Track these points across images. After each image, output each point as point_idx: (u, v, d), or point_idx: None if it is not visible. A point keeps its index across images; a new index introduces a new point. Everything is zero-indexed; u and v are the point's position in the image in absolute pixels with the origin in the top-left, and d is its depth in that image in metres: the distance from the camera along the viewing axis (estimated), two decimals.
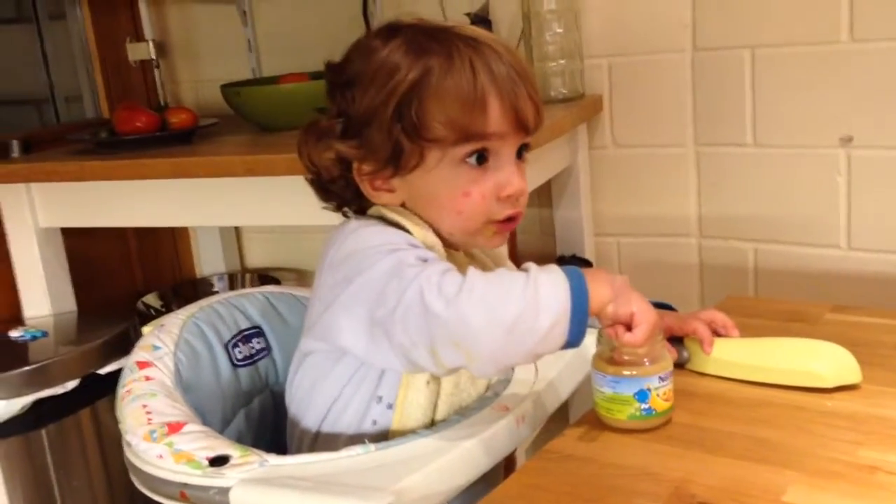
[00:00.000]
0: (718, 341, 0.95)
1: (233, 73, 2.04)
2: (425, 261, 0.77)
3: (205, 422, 0.93)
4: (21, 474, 1.46)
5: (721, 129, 1.78)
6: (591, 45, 1.82)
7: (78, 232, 1.77)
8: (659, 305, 1.02)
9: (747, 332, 1.03)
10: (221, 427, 0.97)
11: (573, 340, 0.74)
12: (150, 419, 0.84)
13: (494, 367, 0.75)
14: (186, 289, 2.06)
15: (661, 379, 0.83)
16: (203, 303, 1.03)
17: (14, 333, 1.56)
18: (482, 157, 0.84)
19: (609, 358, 0.84)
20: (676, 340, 0.98)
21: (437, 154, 0.84)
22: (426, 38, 0.84)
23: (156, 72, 2.15)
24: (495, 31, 1.86)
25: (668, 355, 0.86)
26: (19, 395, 1.39)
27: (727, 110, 1.76)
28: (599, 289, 0.77)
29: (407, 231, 0.85)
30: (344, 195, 0.90)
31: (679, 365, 0.95)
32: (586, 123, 1.85)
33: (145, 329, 1.01)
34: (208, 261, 2.26)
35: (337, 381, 0.87)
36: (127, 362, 0.94)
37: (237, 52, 2.12)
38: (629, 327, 0.78)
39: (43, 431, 1.50)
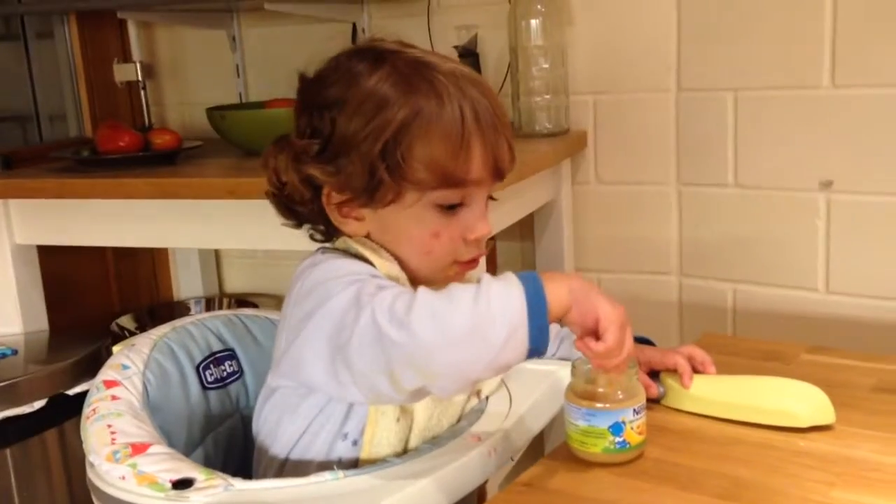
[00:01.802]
0: (695, 378, 0.94)
1: (220, 97, 2.04)
2: (383, 288, 0.76)
3: (171, 444, 0.92)
4: None
5: (704, 169, 1.79)
6: (576, 82, 1.84)
7: (56, 250, 1.75)
8: (639, 340, 1.02)
9: (723, 369, 1.03)
10: (188, 450, 0.95)
11: (536, 347, 0.72)
12: (114, 439, 0.82)
13: (456, 384, 0.73)
14: (162, 311, 2.04)
15: (636, 412, 0.83)
16: (176, 323, 1.02)
17: None
18: (451, 209, 0.85)
19: (583, 390, 0.84)
20: (652, 375, 0.97)
21: (414, 195, 0.83)
22: (414, 73, 0.84)
23: (142, 93, 2.15)
24: (483, 64, 1.87)
25: (642, 388, 0.85)
26: None
27: (710, 150, 1.77)
28: (557, 291, 0.74)
29: (371, 263, 0.84)
30: (308, 217, 0.89)
31: (654, 400, 0.95)
32: (570, 159, 1.86)
33: (115, 348, 0.99)
34: (186, 284, 2.25)
35: (303, 418, 0.86)
36: (94, 381, 0.92)
37: (225, 77, 2.13)
38: (597, 335, 0.76)
39: (7, 451, 1.47)
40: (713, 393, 0.92)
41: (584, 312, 0.75)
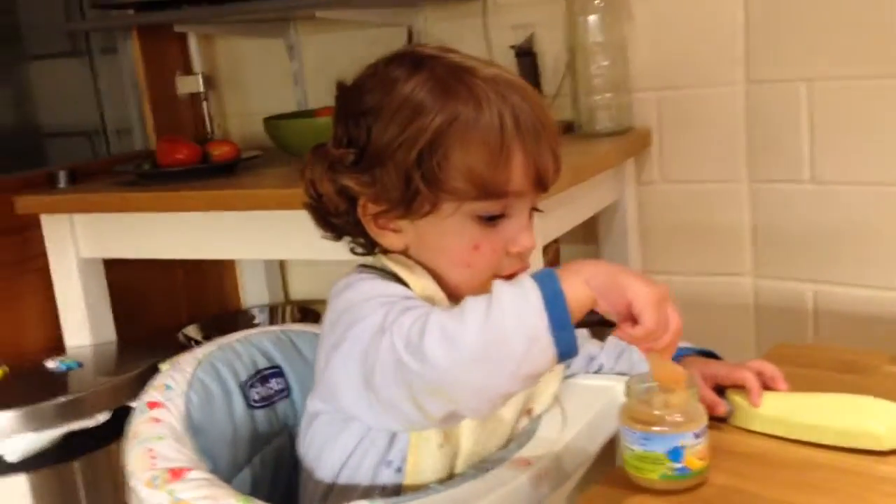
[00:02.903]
0: (766, 395, 0.88)
1: (280, 105, 2.04)
2: (408, 310, 0.72)
3: (214, 466, 0.90)
4: None
5: (776, 165, 1.70)
6: (638, 78, 1.77)
7: (125, 262, 1.76)
8: (704, 353, 0.96)
9: (797, 382, 0.96)
10: (232, 472, 0.93)
11: (565, 351, 0.67)
12: (153, 464, 0.81)
13: (484, 403, 0.69)
14: (227, 320, 2.05)
15: (696, 436, 0.77)
16: (222, 341, 1.00)
17: (50, 364, 1.56)
18: (492, 220, 0.81)
19: (638, 412, 0.78)
20: (719, 391, 0.91)
21: (452, 205, 0.80)
22: (452, 78, 0.80)
23: (204, 104, 2.16)
24: (540, 63, 1.82)
25: (704, 409, 0.79)
26: (51, 426, 1.38)
27: (783, 145, 1.68)
28: (575, 286, 0.68)
29: (405, 283, 0.81)
30: (346, 229, 0.86)
31: (721, 419, 0.89)
32: (634, 158, 1.79)
33: (163, 366, 0.98)
34: (252, 292, 2.25)
35: (344, 447, 0.83)
36: (138, 401, 0.91)
37: (284, 86, 2.12)
38: (634, 319, 0.70)
39: (75, 464, 1.48)
40: (785, 412, 0.86)
41: (613, 301, 0.70)
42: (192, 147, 1.68)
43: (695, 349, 0.97)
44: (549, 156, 0.81)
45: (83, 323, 1.69)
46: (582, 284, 0.69)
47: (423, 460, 0.80)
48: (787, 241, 1.72)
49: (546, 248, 1.86)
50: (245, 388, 0.97)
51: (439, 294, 0.81)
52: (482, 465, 0.81)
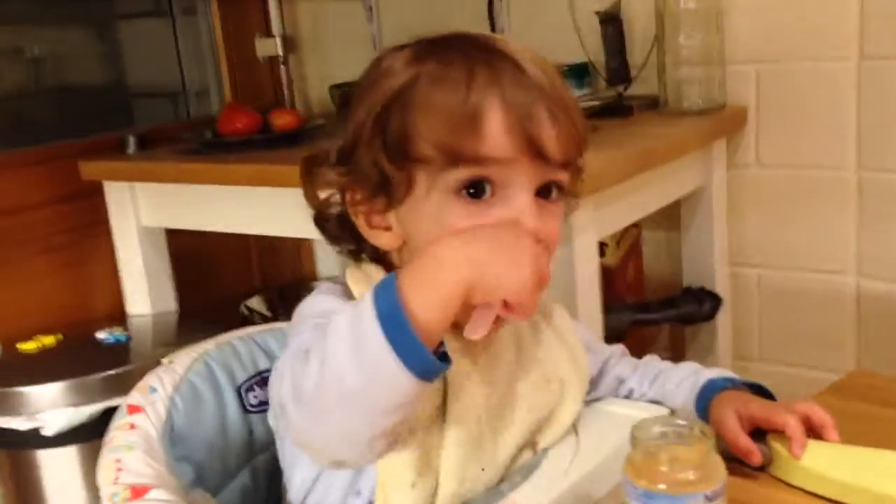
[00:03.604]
0: (811, 445, 0.75)
1: (359, 71, 1.97)
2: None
3: (199, 476, 0.85)
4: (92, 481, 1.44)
5: (890, 153, 1.51)
6: (735, 50, 1.60)
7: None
8: (750, 387, 0.83)
9: (860, 423, 0.83)
10: (222, 481, 0.87)
11: (422, 370, 0.57)
12: (117, 478, 0.75)
13: (361, 450, 0.61)
14: (290, 292, 2.01)
15: (709, 498, 0.65)
16: (221, 338, 0.94)
17: (100, 335, 1.55)
18: (481, 188, 0.68)
19: (642, 465, 0.67)
20: (759, 435, 0.78)
21: (425, 179, 0.68)
22: (439, 46, 0.70)
23: (282, 68, 2.11)
24: (627, 31, 1.67)
25: (722, 465, 0.67)
26: (90, 402, 1.37)
27: None
28: (422, 292, 0.58)
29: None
30: (341, 236, 0.77)
31: (759, 468, 0.76)
32: (725, 139, 1.63)
33: (165, 361, 0.93)
34: (328, 262, 2.21)
35: (309, 469, 0.75)
36: (122, 404, 0.86)
37: (364, 50, 2.05)
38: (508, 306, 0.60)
39: None
40: (829, 467, 0.73)
41: (486, 297, 0.60)
42: (252, 116, 1.63)
43: (739, 381, 0.84)
44: (548, 121, 0.67)
45: (143, 292, 1.69)
46: (431, 289, 0.59)
47: (394, 498, 0.71)
48: None
49: (625, 233, 1.73)
50: (242, 391, 0.91)
51: None
52: None
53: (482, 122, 0.66)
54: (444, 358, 0.60)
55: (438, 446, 0.71)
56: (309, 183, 0.76)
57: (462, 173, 0.67)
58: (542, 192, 0.70)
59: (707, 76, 1.58)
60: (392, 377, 0.57)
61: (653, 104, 1.65)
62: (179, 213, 1.64)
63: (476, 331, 0.62)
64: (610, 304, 1.51)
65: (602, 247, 1.70)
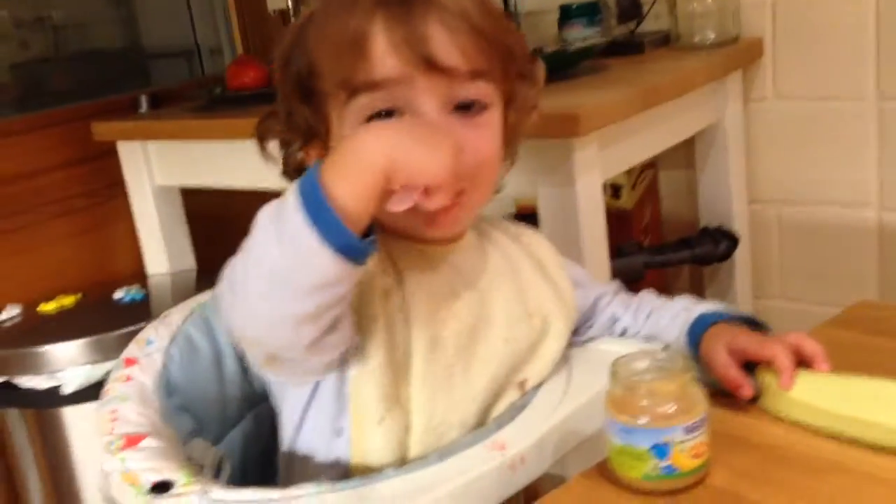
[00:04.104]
0: (801, 375, 0.74)
1: None
2: None
3: (199, 424, 0.86)
4: None
5: None
6: None
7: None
8: (742, 320, 0.82)
9: (868, 354, 0.82)
10: (223, 429, 0.88)
11: (339, 242, 0.58)
12: (112, 427, 0.77)
13: (287, 332, 0.63)
14: None
15: (689, 430, 0.65)
16: (217, 290, 0.95)
17: (118, 294, 1.58)
18: (389, 115, 0.68)
19: (622, 399, 0.67)
20: (751, 368, 0.77)
21: (337, 115, 0.70)
22: None
23: (293, 20, 2.09)
24: None
25: (703, 397, 0.67)
26: (107, 359, 1.39)
27: None
28: (337, 173, 0.59)
29: None
30: None
31: (753, 399, 0.75)
32: (741, 72, 1.59)
33: (164, 314, 0.95)
34: None
35: (293, 408, 0.76)
36: (119, 357, 0.87)
37: None
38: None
39: None
40: (818, 398, 0.72)
41: (405, 181, 0.61)
42: (260, 69, 1.62)
43: (732, 315, 0.82)
44: (442, 30, 0.66)
45: (161, 251, 1.70)
46: (354, 166, 0.60)
47: (366, 437, 0.71)
48: None
49: (641, 175, 1.70)
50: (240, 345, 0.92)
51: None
52: (450, 448, 0.72)
53: (367, 45, 0.66)
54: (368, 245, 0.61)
55: (406, 381, 0.71)
56: (262, 141, 0.78)
57: (363, 101, 0.68)
58: (463, 107, 0.70)
59: (720, 8, 1.54)
60: (311, 251, 0.58)
61: (665, 40, 1.61)
62: (191, 170, 1.65)
63: (395, 205, 0.62)
64: (621, 246, 1.49)
65: (617, 189, 1.67)
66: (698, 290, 1.70)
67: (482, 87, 0.70)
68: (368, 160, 0.59)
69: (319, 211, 0.58)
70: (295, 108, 0.73)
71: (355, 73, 0.67)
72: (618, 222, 1.66)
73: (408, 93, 0.67)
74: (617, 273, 1.33)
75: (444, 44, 0.67)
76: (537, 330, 0.79)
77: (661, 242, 1.66)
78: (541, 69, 0.78)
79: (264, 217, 0.61)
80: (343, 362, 0.71)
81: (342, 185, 0.58)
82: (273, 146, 0.80)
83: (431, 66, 0.67)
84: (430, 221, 0.71)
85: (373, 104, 0.68)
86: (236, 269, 0.63)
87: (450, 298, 0.74)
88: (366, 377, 0.70)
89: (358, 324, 0.70)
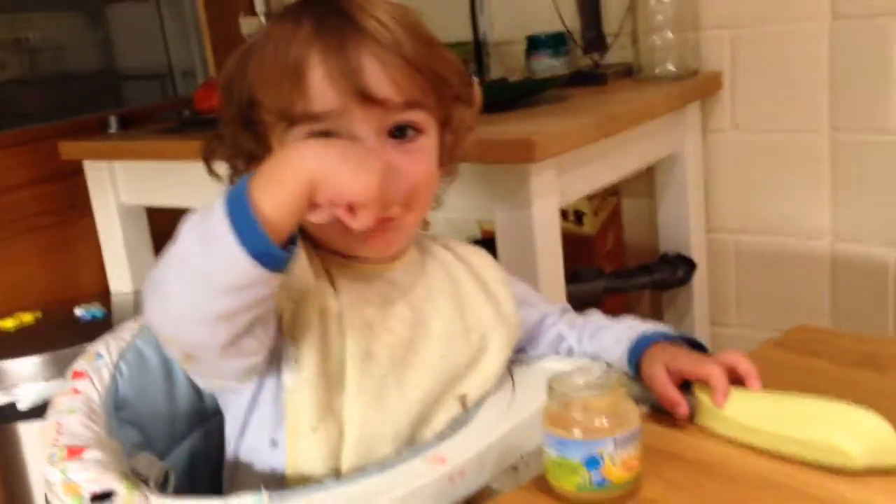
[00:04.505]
0: (734, 394, 0.76)
1: None
2: None
3: (147, 439, 0.87)
4: None
5: (862, 113, 1.51)
6: (708, 15, 1.59)
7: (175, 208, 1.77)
8: (684, 340, 0.84)
9: (802, 374, 0.84)
10: (171, 444, 0.89)
11: (256, 247, 0.59)
12: (56, 440, 0.78)
13: (196, 333, 0.64)
14: None
15: (620, 443, 0.66)
16: None
17: (78, 311, 1.58)
18: (327, 136, 0.71)
19: (557, 414, 0.69)
20: (687, 386, 0.79)
21: (277, 143, 0.73)
22: (290, 10, 0.74)
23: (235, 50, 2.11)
24: None
25: (636, 412, 0.68)
26: (63, 376, 1.38)
27: (870, 91, 1.48)
28: (264, 182, 0.60)
29: None
30: None
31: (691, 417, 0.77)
32: (700, 103, 1.62)
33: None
34: None
35: (235, 418, 0.77)
36: (67, 371, 0.88)
37: None
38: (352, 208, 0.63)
39: None
40: (749, 416, 0.74)
41: (329, 197, 0.62)
42: None
43: (673, 335, 0.85)
44: (375, 63, 0.69)
45: (125, 270, 1.71)
46: (280, 177, 0.61)
47: (300, 446, 0.72)
48: (871, 199, 1.52)
49: (604, 202, 1.73)
50: None
51: (302, 263, 0.74)
52: (392, 461, 0.73)
53: (304, 77, 0.69)
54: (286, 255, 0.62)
55: (340, 391, 0.72)
56: (208, 162, 0.79)
57: (302, 131, 0.71)
58: (397, 133, 0.72)
59: (680, 42, 1.58)
60: (228, 252, 0.59)
61: (628, 72, 1.64)
62: (158, 191, 1.66)
63: (315, 216, 0.64)
64: (581, 271, 1.52)
65: (580, 216, 1.70)
66: (657, 316, 1.73)
67: (416, 114, 0.73)
68: (294, 172, 0.61)
69: (241, 216, 0.59)
70: (238, 133, 0.75)
71: (294, 105, 0.70)
72: (581, 248, 1.69)
73: (343, 122, 0.71)
74: (576, 298, 1.35)
75: (378, 76, 0.70)
76: (475, 346, 0.81)
77: (619, 268, 1.69)
78: (477, 91, 0.81)
79: (192, 217, 0.63)
80: (278, 371, 0.72)
81: (266, 194, 0.60)
82: (221, 166, 0.82)
83: (366, 98, 0.69)
84: (364, 240, 0.73)
85: (310, 131, 0.71)
86: (160, 267, 0.64)
87: (385, 312, 0.76)
88: (300, 386, 0.71)
89: (294, 334, 0.72)
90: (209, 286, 0.61)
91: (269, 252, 0.60)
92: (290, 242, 0.63)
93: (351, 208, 0.63)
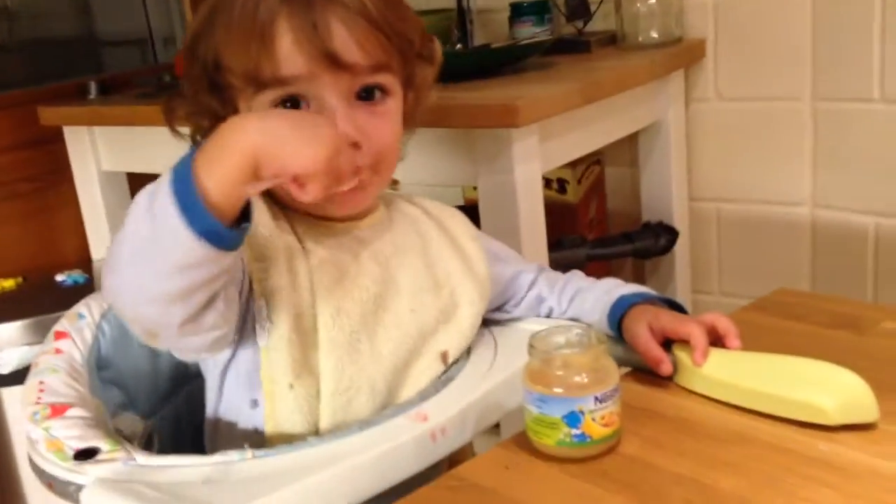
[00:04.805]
0: (713, 353, 0.77)
1: None
2: None
3: (131, 399, 0.87)
4: None
5: (844, 81, 1.51)
6: None
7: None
8: (663, 301, 0.85)
9: (781, 336, 0.85)
10: (155, 405, 0.89)
11: (201, 226, 0.58)
12: (39, 398, 0.78)
13: (152, 312, 0.63)
14: None
15: (599, 400, 0.67)
16: None
17: (59, 277, 1.57)
18: (295, 103, 0.71)
19: (538, 372, 0.69)
20: (668, 346, 0.80)
21: (244, 106, 0.73)
22: None
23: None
24: None
25: (615, 369, 0.69)
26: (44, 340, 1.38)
27: (852, 59, 1.49)
28: (207, 156, 0.59)
29: None
30: None
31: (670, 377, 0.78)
32: (684, 72, 1.62)
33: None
34: None
35: (213, 376, 0.77)
36: (49, 331, 0.88)
37: None
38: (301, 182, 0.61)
39: None
40: (727, 374, 0.75)
41: (274, 170, 0.60)
42: None
43: (653, 296, 0.85)
44: (341, 27, 0.69)
45: (106, 236, 1.70)
46: (223, 150, 0.59)
47: (278, 404, 0.73)
48: (851, 167, 1.53)
49: (587, 170, 1.74)
50: None
51: (269, 225, 0.74)
52: (374, 419, 0.74)
53: (272, 44, 0.69)
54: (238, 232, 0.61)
55: (315, 347, 0.73)
56: (170, 122, 0.79)
57: (270, 95, 0.71)
58: (364, 95, 0.73)
59: (663, 9, 1.57)
60: (174, 231, 0.58)
61: (611, 40, 1.64)
62: (138, 157, 1.65)
63: (259, 189, 0.62)
64: (564, 238, 1.52)
65: (563, 184, 1.71)
66: (640, 283, 1.73)
67: (383, 76, 0.74)
68: (235, 149, 0.59)
69: (185, 195, 0.58)
70: (200, 92, 0.75)
71: (262, 70, 0.70)
72: (564, 216, 1.69)
73: (311, 86, 0.71)
74: (559, 265, 1.36)
75: (345, 40, 0.70)
76: (445, 300, 0.81)
77: (601, 236, 1.70)
78: (437, 48, 0.82)
79: (142, 194, 0.61)
80: (253, 332, 0.73)
81: (210, 170, 0.58)
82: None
83: (334, 62, 0.69)
84: (331, 200, 0.72)
85: (279, 96, 0.71)
86: (114, 244, 0.63)
87: (353, 269, 0.77)
88: (275, 344, 0.72)
89: (265, 295, 0.72)
90: (158, 265, 0.60)
91: (216, 230, 0.59)
92: (243, 216, 0.61)
93: (297, 180, 0.62)
